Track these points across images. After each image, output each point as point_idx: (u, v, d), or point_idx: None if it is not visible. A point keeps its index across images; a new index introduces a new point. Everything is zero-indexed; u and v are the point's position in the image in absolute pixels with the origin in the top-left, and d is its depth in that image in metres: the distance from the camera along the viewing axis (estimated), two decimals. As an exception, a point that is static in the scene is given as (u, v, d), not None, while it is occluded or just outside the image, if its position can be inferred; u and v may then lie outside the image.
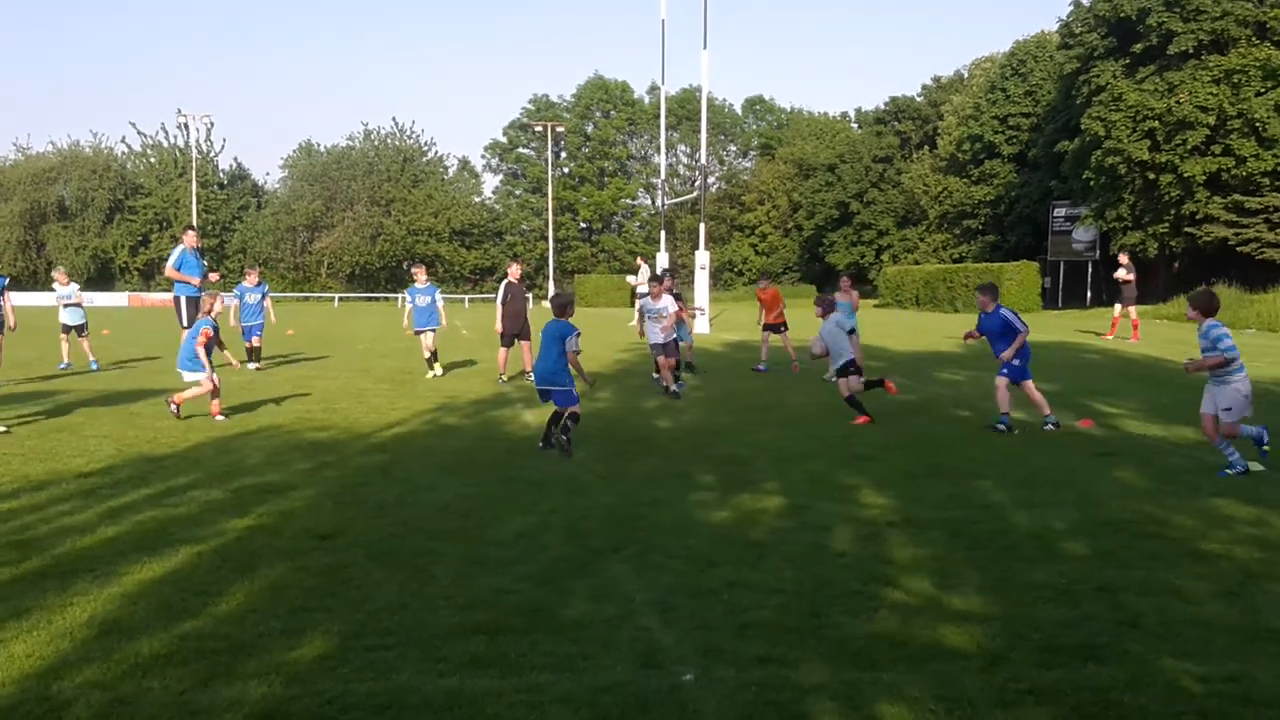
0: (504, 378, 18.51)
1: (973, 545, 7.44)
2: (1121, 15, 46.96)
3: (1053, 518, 8.24)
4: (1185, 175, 44.91)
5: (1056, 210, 56.86)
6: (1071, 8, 52.48)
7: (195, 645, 5.41)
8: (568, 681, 4.99)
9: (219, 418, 13.46)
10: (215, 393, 13.71)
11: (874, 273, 72.96)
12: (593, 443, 11.95)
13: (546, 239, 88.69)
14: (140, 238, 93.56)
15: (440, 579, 6.64)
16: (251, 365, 20.67)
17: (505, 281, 18.96)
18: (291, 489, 9.39)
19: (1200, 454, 11.07)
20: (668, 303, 17.06)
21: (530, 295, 19.87)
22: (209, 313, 14.26)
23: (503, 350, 18.70)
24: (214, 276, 20.56)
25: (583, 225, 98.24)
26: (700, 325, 34.79)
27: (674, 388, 16.49)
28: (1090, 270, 55.32)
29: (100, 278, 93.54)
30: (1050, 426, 12.62)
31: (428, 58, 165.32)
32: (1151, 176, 46.54)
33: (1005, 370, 12.79)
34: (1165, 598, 6.24)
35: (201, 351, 13.72)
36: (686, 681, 5.00)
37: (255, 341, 21.43)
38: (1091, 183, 49.42)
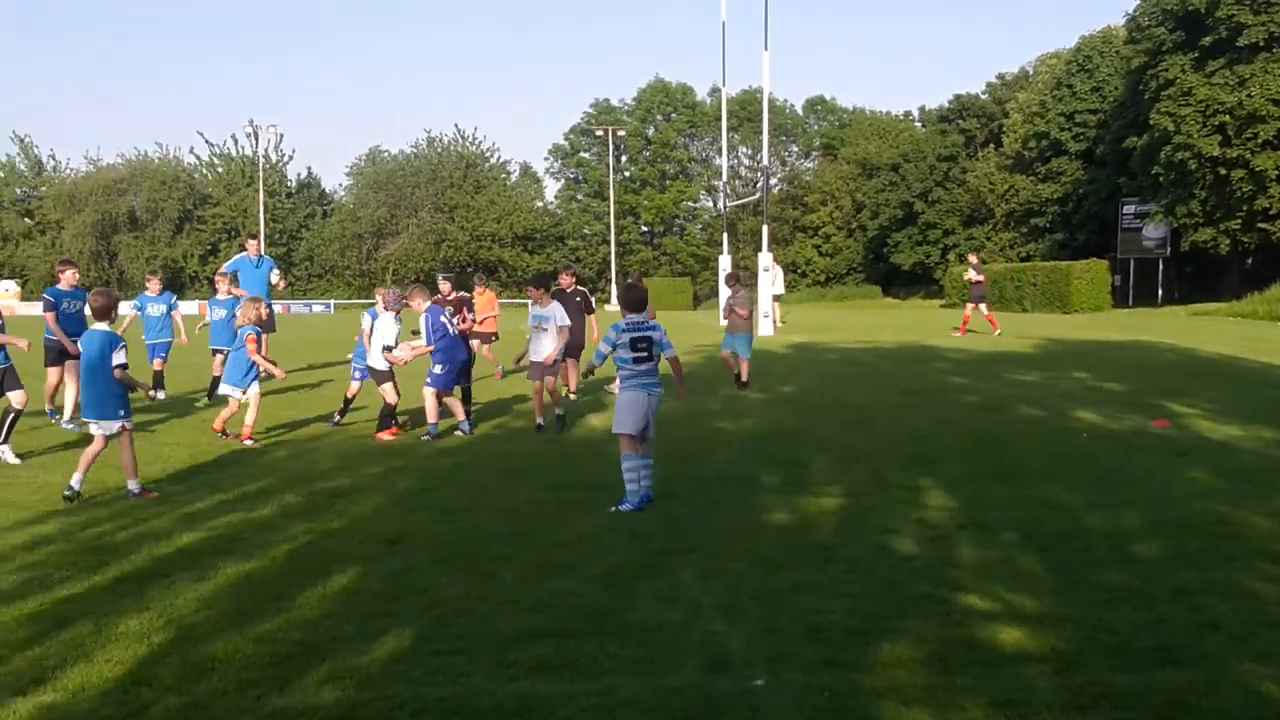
0: (567, 393, 15.80)
1: (1044, 547, 7.35)
2: (1190, 8, 46.14)
3: (1126, 519, 8.12)
4: (1257, 170, 44.06)
5: (1125, 207, 55.97)
6: (1139, 1, 51.68)
7: (269, 650, 5.49)
8: (636, 685, 5.00)
9: (248, 441, 12.35)
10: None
11: (939, 272, 72.26)
12: (655, 445, 11.94)
13: (609, 243, 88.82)
14: (209, 247, 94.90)
15: (507, 583, 6.68)
16: (158, 394, 16.61)
17: (554, 289, 16.45)
18: (361, 493, 9.49)
19: (1277, 454, 10.87)
20: (554, 310, 13.49)
21: (590, 301, 17.53)
22: (254, 320, 12.62)
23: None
24: (281, 283, 19.84)
25: (644, 228, 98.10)
26: (764, 328, 34.69)
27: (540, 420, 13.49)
28: (1161, 268, 54.39)
29: (171, 287, 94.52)
30: (427, 437, 12.73)
31: (490, 64, 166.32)
32: (1222, 171, 45.68)
33: (430, 380, 12.99)
34: (1243, 600, 6.13)
35: (258, 360, 12.51)
36: (757, 686, 4.98)
37: (158, 364, 16.91)
38: (1161, 179, 48.59)
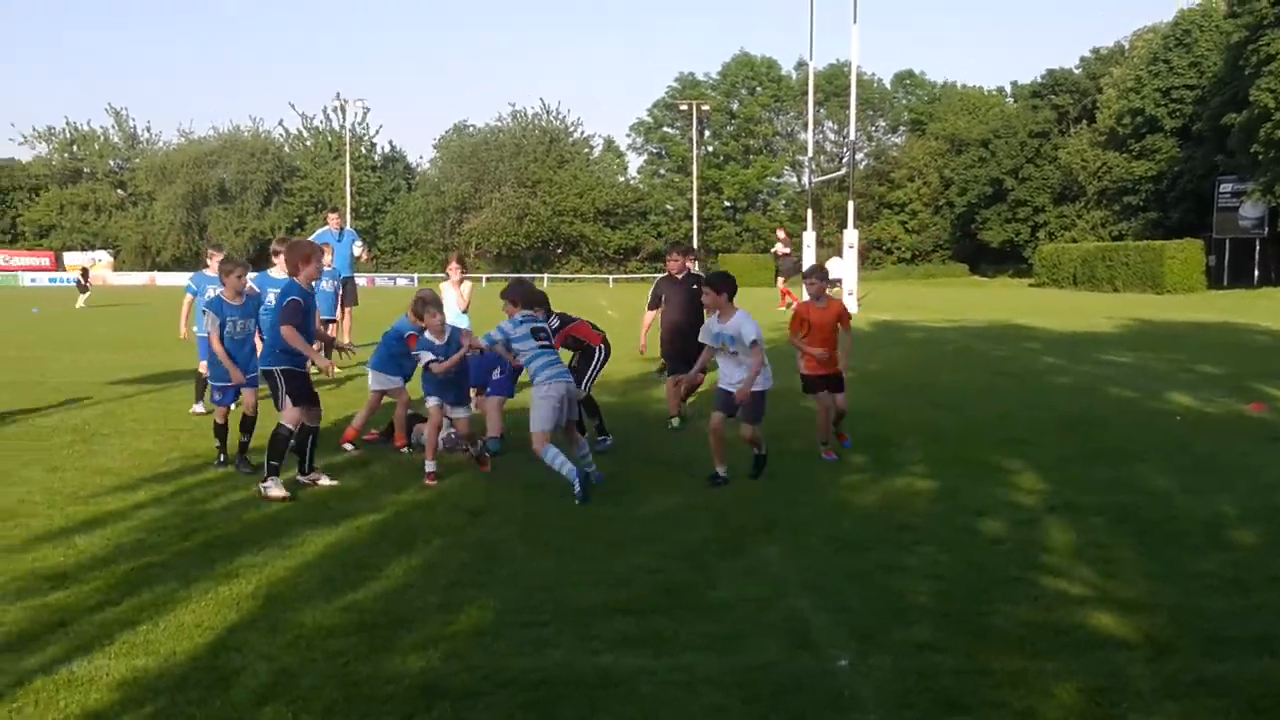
0: (676, 422, 11.80)
1: (1137, 532, 7.19)
2: (1295, -20, 44.84)
3: (1222, 504, 7.92)
4: (1362, 147, 42.76)
5: (1222, 185, 54.60)
6: (1241, -27, 50.30)
7: (356, 618, 5.55)
8: (718, 661, 4.98)
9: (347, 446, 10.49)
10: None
11: (1029, 251, 71.19)
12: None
13: (691, 218, 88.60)
14: (297, 219, 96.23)
15: (590, 557, 6.68)
16: (197, 408, 12.68)
17: (660, 277, 12.73)
18: (444, 465, 9.54)
19: (1382, 440, 10.54)
20: (741, 321, 8.81)
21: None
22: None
23: (668, 381, 12.14)
24: (364, 256, 19.32)
25: (727, 204, 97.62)
26: (849, 305, 34.43)
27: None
28: (1258, 248, 52.97)
29: (259, 258, 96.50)
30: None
31: (577, 39, 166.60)
32: (1325, 149, 44.43)
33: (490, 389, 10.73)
34: (1346, 590, 5.95)
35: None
36: (841, 667, 4.93)
37: (203, 368, 11.80)
38: (1260, 156, 47.35)
